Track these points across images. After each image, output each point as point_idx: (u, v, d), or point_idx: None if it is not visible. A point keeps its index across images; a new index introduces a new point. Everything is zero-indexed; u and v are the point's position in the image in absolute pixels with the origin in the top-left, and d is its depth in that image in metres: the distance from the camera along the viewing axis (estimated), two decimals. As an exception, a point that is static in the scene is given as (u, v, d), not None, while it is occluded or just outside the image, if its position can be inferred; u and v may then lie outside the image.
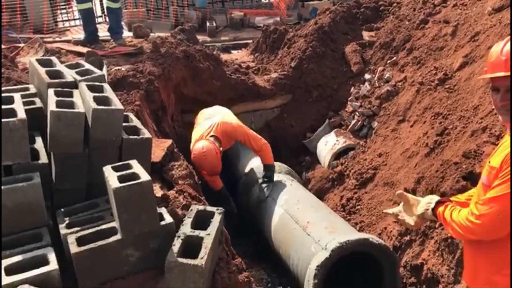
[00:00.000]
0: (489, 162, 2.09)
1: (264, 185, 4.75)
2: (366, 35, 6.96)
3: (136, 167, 2.35)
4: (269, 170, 4.84)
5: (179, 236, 2.24)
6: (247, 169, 5.30)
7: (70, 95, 2.86)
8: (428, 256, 3.52)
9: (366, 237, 3.45)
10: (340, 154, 5.59)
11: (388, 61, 6.16)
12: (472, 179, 3.49)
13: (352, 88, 6.35)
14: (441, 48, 5.47)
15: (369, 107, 5.76)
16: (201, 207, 2.54)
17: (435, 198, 2.42)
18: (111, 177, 2.23)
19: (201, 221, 2.42)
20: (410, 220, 2.52)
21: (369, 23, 7.14)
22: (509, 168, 1.91)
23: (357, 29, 7.06)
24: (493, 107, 4.03)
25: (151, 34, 7.84)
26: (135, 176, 2.23)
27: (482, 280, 2.14)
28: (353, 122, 5.86)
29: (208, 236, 2.26)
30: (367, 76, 6.27)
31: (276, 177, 4.91)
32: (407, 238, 3.77)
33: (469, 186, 3.47)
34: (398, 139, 5.06)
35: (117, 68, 4.91)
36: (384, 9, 7.26)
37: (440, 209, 2.29)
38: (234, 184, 5.29)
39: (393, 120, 5.33)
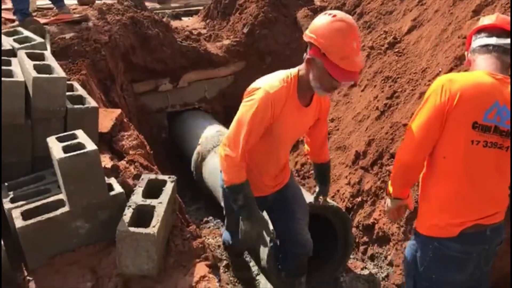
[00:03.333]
0: None
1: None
2: (317, 0, 6.93)
3: (82, 137, 2.26)
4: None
5: (130, 206, 2.19)
6: (201, 139, 5.26)
7: (8, 63, 2.71)
8: (379, 216, 3.63)
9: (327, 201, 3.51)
10: (294, 120, 5.61)
11: (340, 26, 6.16)
12: (419, 140, 3.60)
13: (305, 54, 6.34)
14: (390, 12, 5.52)
15: (321, 72, 5.77)
16: (152, 176, 2.49)
17: None
18: (55, 148, 2.14)
19: (153, 190, 2.38)
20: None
21: (320, -12, 7.11)
22: None
23: (308, -6, 7.02)
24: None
25: (97, 1, 7.49)
26: (80, 146, 2.15)
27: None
28: (306, 88, 5.87)
29: (160, 204, 2.23)
30: (319, 41, 6.27)
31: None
32: (359, 199, 3.88)
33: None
34: (350, 103, 5.13)
35: (61, 36, 4.66)
36: (335, -26, 7.23)
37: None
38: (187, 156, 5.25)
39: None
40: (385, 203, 2.60)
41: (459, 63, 3.94)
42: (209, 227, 4.62)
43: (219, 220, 4.68)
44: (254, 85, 2.49)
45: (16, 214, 2.13)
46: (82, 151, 2.08)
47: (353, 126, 4.72)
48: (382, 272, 3.49)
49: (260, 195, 2.75)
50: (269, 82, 2.43)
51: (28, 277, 2.12)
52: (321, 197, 3.14)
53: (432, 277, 2.25)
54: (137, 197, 2.26)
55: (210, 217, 4.80)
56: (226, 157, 2.48)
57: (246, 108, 2.43)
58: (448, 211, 2.15)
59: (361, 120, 4.65)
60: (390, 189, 2.44)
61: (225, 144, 2.52)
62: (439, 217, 2.18)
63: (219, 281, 2.17)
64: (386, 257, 3.51)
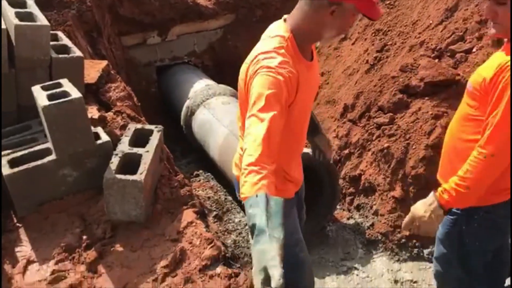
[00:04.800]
0: (479, 70, 2.02)
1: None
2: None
3: (67, 85, 2.24)
4: None
5: (116, 154, 2.20)
6: (190, 94, 5.23)
7: (-11, 11, 2.64)
8: (365, 167, 3.69)
9: (306, 151, 3.53)
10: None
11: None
12: (408, 92, 3.62)
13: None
14: (382, -37, 5.40)
15: (312, 26, 5.70)
16: (139, 126, 2.49)
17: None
18: (40, 96, 2.13)
19: (140, 139, 2.39)
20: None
21: None
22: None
23: None
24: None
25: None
26: (65, 94, 2.14)
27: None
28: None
29: (147, 153, 2.24)
30: (310, -6, 6.15)
31: (221, 99, 4.87)
32: (346, 151, 3.92)
33: (405, 99, 3.60)
34: (340, 57, 5.10)
35: (44, -14, 4.54)
36: None
37: (442, 188, 2.00)
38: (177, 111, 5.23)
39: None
40: (423, 215, 2.03)
41: (450, 15, 3.91)
42: (199, 180, 4.67)
43: (209, 174, 4.73)
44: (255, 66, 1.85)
45: (3, 162, 2.14)
46: (67, 98, 2.07)
47: (342, 80, 4.71)
48: (367, 222, 3.58)
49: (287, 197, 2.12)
50: (269, 62, 1.81)
51: (17, 224, 2.16)
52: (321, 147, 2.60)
53: (477, 246, 2.18)
54: (123, 146, 2.27)
55: (201, 171, 4.84)
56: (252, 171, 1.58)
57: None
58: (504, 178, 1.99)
59: (351, 74, 4.64)
60: (452, 183, 1.97)
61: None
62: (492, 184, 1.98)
63: (207, 227, 2.22)
64: (371, 207, 3.59)
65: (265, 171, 1.55)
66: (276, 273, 1.32)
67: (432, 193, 2.03)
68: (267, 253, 1.38)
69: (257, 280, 1.39)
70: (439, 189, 2.01)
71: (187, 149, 5.29)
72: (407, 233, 2.02)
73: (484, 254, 2.23)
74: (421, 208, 2.04)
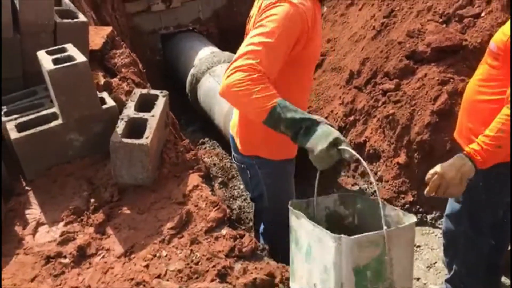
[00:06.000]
0: (503, 29, 2.00)
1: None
2: None
3: (72, 50, 2.24)
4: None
5: (122, 119, 2.21)
6: (195, 61, 5.20)
7: (-9, -24, 2.62)
8: (370, 133, 3.69)
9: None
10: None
11: None
12: (414, 58, 3.59)
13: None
14: None
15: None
16: (144, 91, 2.49)
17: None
18: (45, 61, 2.13)
19: (145, 104, 2.40)
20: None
21: None
22: None
23: None
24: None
25: None
26: (70, 58, 2.14)
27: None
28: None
29: (153, 117, 2.25)
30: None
31: (226, 66, 4.85)
32: (352, 118, 3.92)
33: (411, 65, 3.57)
34: (347, 23, 5.03)
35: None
36: None
37: (473, 146, 1.92)
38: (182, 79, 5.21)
39: (342, 4, 5.26)
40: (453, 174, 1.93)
41: (459, -22, 3.83)
42: (205, 148, 4.70)
43: (214, 141, 4.76)
44: None
45: (10, 126, 2.16)
46: (72, 62, 2.07)
47: (349, 47, 4.67)
48: (371, 188, 3.61)
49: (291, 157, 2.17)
50: None
51: (26, 187, 2.20)
52: None
53: (492, 200, 2.20)
54: (129, 111, 2.28)
55: (206, 139, 4.87)
56: (248, 69, 1.62)
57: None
58: None
59: (357, 41, 4.59)
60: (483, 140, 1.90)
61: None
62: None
63: (212, 190, 2.25)
64: (376, 173, 3.62)
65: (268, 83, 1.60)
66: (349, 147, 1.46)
67: (460, 155, 1.95)
68: (333, 131, 1.48)
69: (328, 153, 1.47)
70: (469, 150, 1.92)
71: (192, 117, 5.31)
72: (431, 193, 2.01)
73: (495, 210, 2.25)
74: (451, 170, 1.95)
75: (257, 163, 2.20)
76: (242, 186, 3.96)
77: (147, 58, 5.79)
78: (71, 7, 2.92)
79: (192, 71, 5.09)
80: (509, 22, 2.02)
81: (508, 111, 1.88)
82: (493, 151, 1.89)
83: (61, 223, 2.03)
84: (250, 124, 2.09)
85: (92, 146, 2.29)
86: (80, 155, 2.28)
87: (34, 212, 2.09)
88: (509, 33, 1.93)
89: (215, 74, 4.78)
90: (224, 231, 1.96)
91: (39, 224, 2.04)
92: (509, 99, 1.90)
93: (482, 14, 3.49)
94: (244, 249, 1.86)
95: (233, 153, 2.38)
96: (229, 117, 4.21)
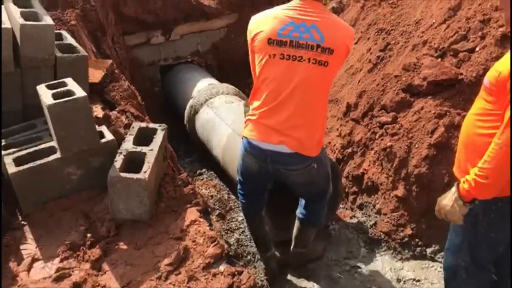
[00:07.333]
0: (496, 66, 2.04)
1: None
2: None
3: (71, 84, 2.27)
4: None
5: (121, 153, 2.22)
6: (194, 93, 5.24)
7: (-6, 11, 2.66)
8: (368, 166, 3.69)
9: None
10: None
11: (335, -22, 6.05)
12: (411, 91, 3.62)
13: None
14: (386, -37, 5.40)
15: (315, 25, 5.71)
16: (143, 124, 2.51)
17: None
18: (45, 95, 2.15)
19: (144, 138, 2.41)
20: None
21: None
22: None
23: None
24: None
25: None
26: (70, 92, 2.16)
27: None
28: (299, 41, 5.81)
29: (151, 151, 2.26)
30: (313, -7, 6.16)
31: (225, 98, 4.89)
32: (349, 150, 3.92)
33: (408, 98, 3.60)
34: (343, 56, 5.10)
35: (48, -14, 4.56)
36: None
37: (464, 179, 2.03)
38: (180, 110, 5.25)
39: (338, 37, 5.34)
40: (453, 206, 2.10)
41: (453, 14, 3.91)
42: (202, 179, 4.68)
43: (212, 172, 4.74)
44: None
45: (8, 160, 2.16)
46: (71, 97, 2.08)
47: (345, 79, 4.71)
48: (370, 221, 3.59)
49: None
50: None
51: (22, 222, 2.18)
52: None
53: (491, 236, 2.20)
54: (128, 144, 2.29)
55: (204, 170, 4.86)
56: None
57: None
58: None
59: (354, 73, 4.64)
60: (472, 175, 1.99)
61: None
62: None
63: (210, 225, 2.23)
64: (374, 206, 3.60)
65: None
66: None
67: (456, 184, 2.09)
68: None
69: None
70: (461, 179, 2.06)
71: (190, 148, 5.31)
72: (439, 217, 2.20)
73: (496, 245, 2.25)
74: (445, 197, 2.13)
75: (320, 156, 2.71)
76: (240, 218, 3.92)
77: (146, 89, 5.83)
78: (71, 41, 2.96)
79: (191, 102, 5.12)
80: (501, 59, 2.07)
81: (494, 144, 1.93)
82: (482, 182, 1.96)
83: (57, 259, 2.00)
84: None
85: (90, 180, 2.29)
86: (77, 189, 2.28)
87: (29, 247, 2.07)
88: (500, 69, 1.97)
89: (213, 105, 4.81)
90: (222, 267, 1.94)
91: (34, 259, 2.01)
92: (499, 133, 1.93)
93: (477, 49, 3.54)
94: (242, 287, 1.84)
95: (292, 167, 2.62)
96: (227, 149, 4.23)
